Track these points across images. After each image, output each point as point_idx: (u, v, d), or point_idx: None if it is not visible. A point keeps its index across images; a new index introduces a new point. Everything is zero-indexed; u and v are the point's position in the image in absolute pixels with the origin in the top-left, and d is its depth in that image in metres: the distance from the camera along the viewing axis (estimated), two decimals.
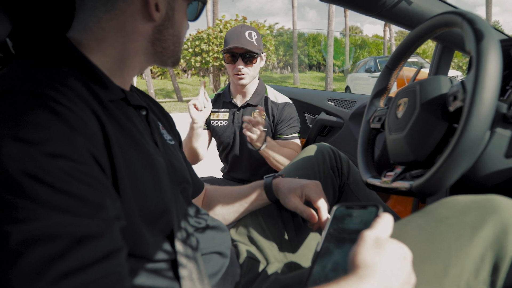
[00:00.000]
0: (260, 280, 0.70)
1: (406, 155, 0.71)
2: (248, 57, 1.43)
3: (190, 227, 0.62)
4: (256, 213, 0.85)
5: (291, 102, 1.56)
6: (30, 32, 0.56)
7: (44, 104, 0.39)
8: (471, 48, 0.59)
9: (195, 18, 0.63)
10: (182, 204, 0.62)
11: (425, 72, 1.49)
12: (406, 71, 1.74)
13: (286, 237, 0.84)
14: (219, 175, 1.71)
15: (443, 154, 0.58)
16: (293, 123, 1.51)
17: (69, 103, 0.41)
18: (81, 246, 0.36)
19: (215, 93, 1.64)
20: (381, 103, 0.91)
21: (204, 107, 1.34)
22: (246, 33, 1.42)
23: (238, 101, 1.55)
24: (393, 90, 0.88)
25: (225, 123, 1.55)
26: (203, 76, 13.44)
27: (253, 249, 0.79)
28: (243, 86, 1.50)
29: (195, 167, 1.66)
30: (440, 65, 1.31)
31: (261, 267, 0.75)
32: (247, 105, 1.52)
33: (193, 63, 10.48)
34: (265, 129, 1.49)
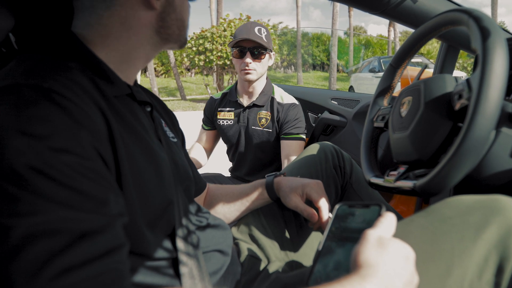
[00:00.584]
0: (261, 279, 0.70)
1: (409, 154, 0.70)
2: (257, 52, 1.41)
3: (192, 225, 0.62)
4: (258, 211, 0.85)
5: (297, 103, 1.53)
6: (35, 27, 0.56)
7: (50, 98, 0.39)
8: (477, 46, 0.58)
9: None
10: (184, 202, 0.62)
11: (429, 72, 1.48)
12: (410, 71, 1.73)
13: (287, 235, 0.84)
14: (227, 173, 1.70)
15: (447, 154, 0.57)
16: (298, 124, 1.49)
17: (75, 98, 0.41)
18: (83, 241, 0.35)
19: (222, 91, 1.62)
20: (385, 102, 0.91)
21: None
22: (256, 29, 1.41)
23: (244, 100, 1.53)
24: (397, 89, 0.88)
25: (231, 122, 1.54)
26: (206, 75, 13.44)
27: (254, 248, 0.79)
28: (250, 83, 1.47)
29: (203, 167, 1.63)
30: (445, 65, 1.30)
31: (262, 266, 0.74)
32: (253, 105, 1.50)
33: (196, 62, 10.48)
34: (270, 130, 1.49)
